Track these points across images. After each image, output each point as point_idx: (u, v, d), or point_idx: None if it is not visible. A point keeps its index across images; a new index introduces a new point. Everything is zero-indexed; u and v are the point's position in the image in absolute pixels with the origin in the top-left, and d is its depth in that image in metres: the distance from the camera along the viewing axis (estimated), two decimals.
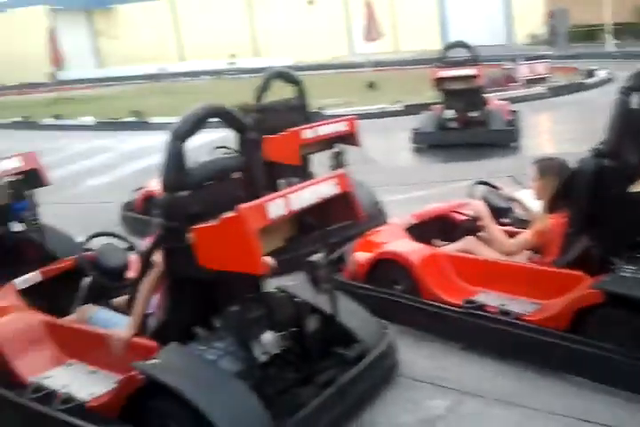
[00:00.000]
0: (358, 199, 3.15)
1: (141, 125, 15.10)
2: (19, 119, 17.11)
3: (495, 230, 4.00)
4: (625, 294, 3.15)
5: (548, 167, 3.82)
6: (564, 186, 3.64)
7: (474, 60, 9.70)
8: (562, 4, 29.80)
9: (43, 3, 39.38)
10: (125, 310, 3.27)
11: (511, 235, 4.00)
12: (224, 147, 6.14)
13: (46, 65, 23.95)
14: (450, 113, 9.73)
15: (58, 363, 3.34)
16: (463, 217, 4.45)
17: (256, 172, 3.07)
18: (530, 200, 4.19)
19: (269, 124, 5.23)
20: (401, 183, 7.63)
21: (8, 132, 13.67)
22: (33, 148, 5.45)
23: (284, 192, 2.73)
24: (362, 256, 4.13)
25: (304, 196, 2.77)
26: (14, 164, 4.39)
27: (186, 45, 39.30)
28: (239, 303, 2.78)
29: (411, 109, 13.16)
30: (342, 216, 3.15)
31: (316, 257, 3.21)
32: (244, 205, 2.50)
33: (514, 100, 11.91)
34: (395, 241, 4.20)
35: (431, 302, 3.81)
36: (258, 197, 2.79)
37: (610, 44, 27.11)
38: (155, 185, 6.55)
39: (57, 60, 22.71)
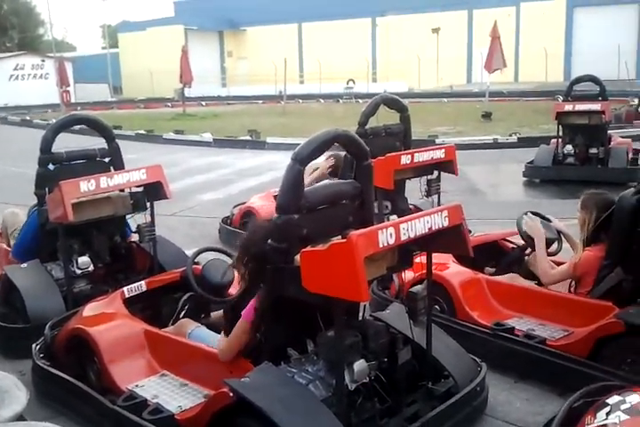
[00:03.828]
0: (467, 233, 3.10)
1: (257, 144, 15.59)
2: (142, 132, 18.05)
3: (543, 257, 4.13)
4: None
5: (592, 201, 3.94)
6: (605, 220, 3.79)
7: (601, 96, 9.40)
8: None
9: (179, 23, 41.82)
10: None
11: (557, 264, 4.18)
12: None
13: (177, 82, 25.24)
14: (568, 148, 9.48)
15: (152, 373, 3.44)
16: (512, 245, 4.74)
17: (369, 199, 3.07)
18: None
19: (370, 149, 5.30)
20: (507, 217, 7.41)
21: (131, 143, 14.47)
22: (151, 160, 5.73)
23: (396, 221, 2.69)
24: (408, 275, 4.08)
25: (415, 226, 2.72)
26: (140, 176, 4.51)
27: (307, 68, 40.38)
28: (335, 328, 2.77)
29: (525, 142, 12.92)
30: (449, 248, 3.13)
31: (416, 288, 3.18)
32: (355, 232, 2.49)
33: (637, 139, 11.37)
34: (440, 264, 4.28)
35: (462, 322, 3.99)
36: (368, 224, 2.78)
37: None
38: (254, 201, 6.77)
39: (186, 77, 23.89)
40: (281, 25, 42.59)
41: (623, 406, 2.32)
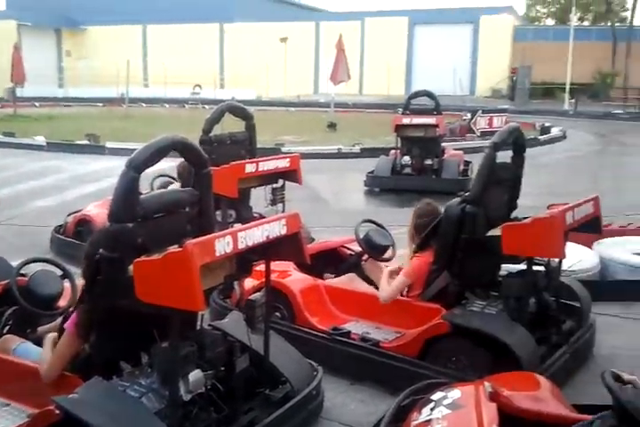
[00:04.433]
0: (305, 241, 3.17)
1: (95, 149, 14.93)
2: None
3: (384, 280, 4.21)
4: (464, 325, 3.57)
5: (421, 210, 4.23)
6: (433, 227, 4.01)
7: (436, 110, 9.98)
8: (526, 62, 31.13)
9: (12, 18, 39.14)
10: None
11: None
12: (165, 176, 6.12)
13: (7, 81, 23.58)
14: (406, 159, 9.96)
15: None
16: (350, 252, 4.94)
17: (208, 207, 3.04)
18: None
19: (214, 157, 5.29)
20: (348, 225, 7.65)
21: None
22: None
23: (234, 230, 2.70)
24: (249, 283, 4.15)
25: (253, 234, 2.74)
26: None
27: (151, 72, 39.37)
28: (170, 339, 2.71)
29: (367, 152, 13.45)
30: (287, 255, 3.18)
31: (255, 296, 3.19)
32: (191, 241, 2.46)
33: (469, 151, 12.17)
34: (281, 271, 4.38)
35: (301, 328, 4.10)
36: (207, 233, 2.75)
37: (566, 102, 28.29)
38: (90, 209, 6.47)
39: (18, 76, 22.40)
40: (124, 26, 41.21)
41: (445, 402, 2.46)
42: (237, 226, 5.14)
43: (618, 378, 2.17)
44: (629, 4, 40.15)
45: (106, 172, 12.07)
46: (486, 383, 2.50)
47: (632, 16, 37.95)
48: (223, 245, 2.57)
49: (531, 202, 5.78)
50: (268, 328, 3.17)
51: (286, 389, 3.19)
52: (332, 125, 18.90)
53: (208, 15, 39.40)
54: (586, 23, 47.93)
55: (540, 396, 2.54)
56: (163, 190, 3.60)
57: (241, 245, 2.67)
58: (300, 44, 38.00)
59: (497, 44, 37.40)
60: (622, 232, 6.29)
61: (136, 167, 2.67)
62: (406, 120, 9.92)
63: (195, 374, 2.76)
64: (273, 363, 3.18)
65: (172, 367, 2.67)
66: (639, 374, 3.79)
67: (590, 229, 4.10)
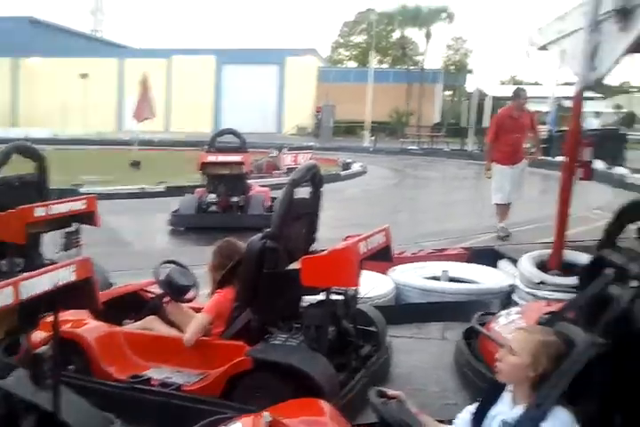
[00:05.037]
0: (97, 287, 3.02)
1: None
2: None
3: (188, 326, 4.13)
4: (265, 359, 3.60)
5: (222, 248, 4.27)
6: (236, 264, 4.03)
7: (241, 148, 10.15)
8: (330, 102, 32.93)
9: None
10: None
11: (195, 310, 4.35)
12: None
13: None
14: (212, 196, 9.99)
15: None
16: (151, 295, 4.76)
17: None
18: None
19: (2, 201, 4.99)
20: (149, 267, 7.44)
21: None
22: None
23: (15, 279, 2.48)
24: (38, 336, 3.81)
25: (38, 283, 2.56)
26: None
27: None
28: None
29: (172, 191, 13.21)
30: (78, 304, 3.00)
31: (42, 349, 2.99)
32: None
33: (276, 187, 12.44)
34: (74, 320, 4.16)
35: (96, 380, 3.89)
36: None
37: (366, 139, 30.25)
38: None
39: None
40: None
41: None
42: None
43: (383, 395, 2.31)
44: (422, 49, 44.32)
45: None
46: (265, 413, 2.52)
47: (424, 60, 41.82)
48: (3, 296, 2.38)
49: (331, 234, 6.02)
50: (58, 383, 2.96)
51: None
52: (135, 164, 18.35)
53: (1, 49, 37.11)
54: (385, 66, 51.80)
55: (319, 420, 2.60)
56: None
57: (24, 296, 2.49)
58: (103, 81, 37.07)
59: (302, 84, 39.14)
60: (413, 259, 6.77)
61: None
62: (212, 158, 9.98)
63: None
64: (64, 420, 2.97)
65: None
66: (432, 388, 4.12)
67: (382, 257, 4.30)
